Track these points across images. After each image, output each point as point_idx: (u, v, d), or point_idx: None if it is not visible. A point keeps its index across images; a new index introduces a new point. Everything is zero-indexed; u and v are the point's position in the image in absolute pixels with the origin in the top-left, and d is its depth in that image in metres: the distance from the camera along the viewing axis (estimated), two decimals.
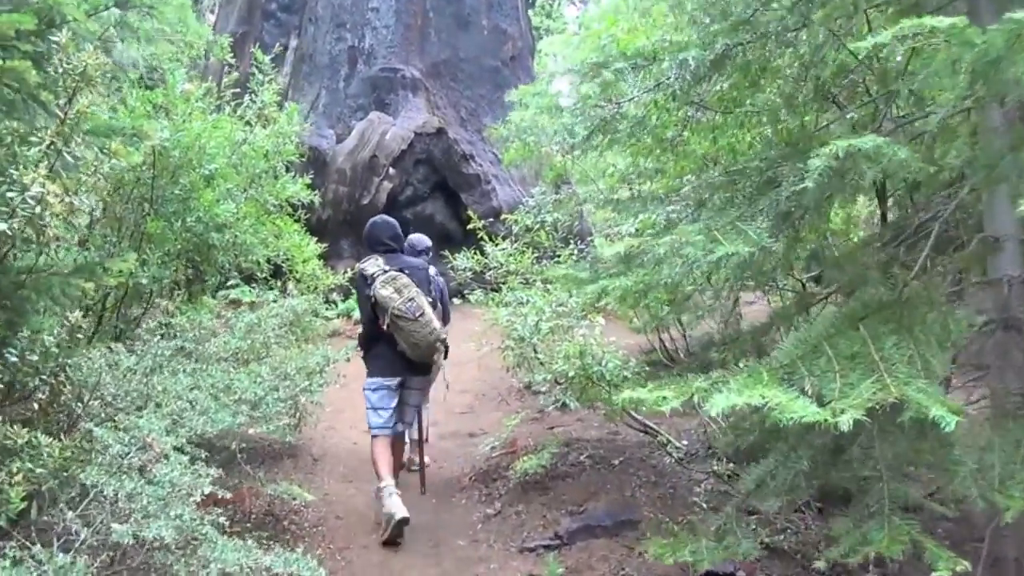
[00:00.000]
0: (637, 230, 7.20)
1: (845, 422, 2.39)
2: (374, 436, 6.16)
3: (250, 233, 8.06)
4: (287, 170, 9.33)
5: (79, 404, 4.99)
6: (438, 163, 17.32)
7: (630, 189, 10.53)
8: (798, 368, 2.86)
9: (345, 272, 10.02)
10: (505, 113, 14.31)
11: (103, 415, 5.06)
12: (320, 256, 15.84)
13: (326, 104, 18.01)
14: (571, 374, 6.69)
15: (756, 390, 2.52)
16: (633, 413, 7.12)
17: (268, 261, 8.60)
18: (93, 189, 5.36)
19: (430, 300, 6.22)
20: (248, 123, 8.85)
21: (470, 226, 8.17)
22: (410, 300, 5.88)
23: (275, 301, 7.69)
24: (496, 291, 7.84)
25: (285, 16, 19.53)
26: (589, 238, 12.30)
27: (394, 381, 6.16)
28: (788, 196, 3.55)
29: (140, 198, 7.72)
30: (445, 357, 6.81)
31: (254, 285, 9.36)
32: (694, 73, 4.38)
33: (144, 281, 7.23)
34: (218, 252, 8.06)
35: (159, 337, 6.01)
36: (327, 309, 14.55)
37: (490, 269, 7.50)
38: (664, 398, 2.82)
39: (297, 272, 8.99)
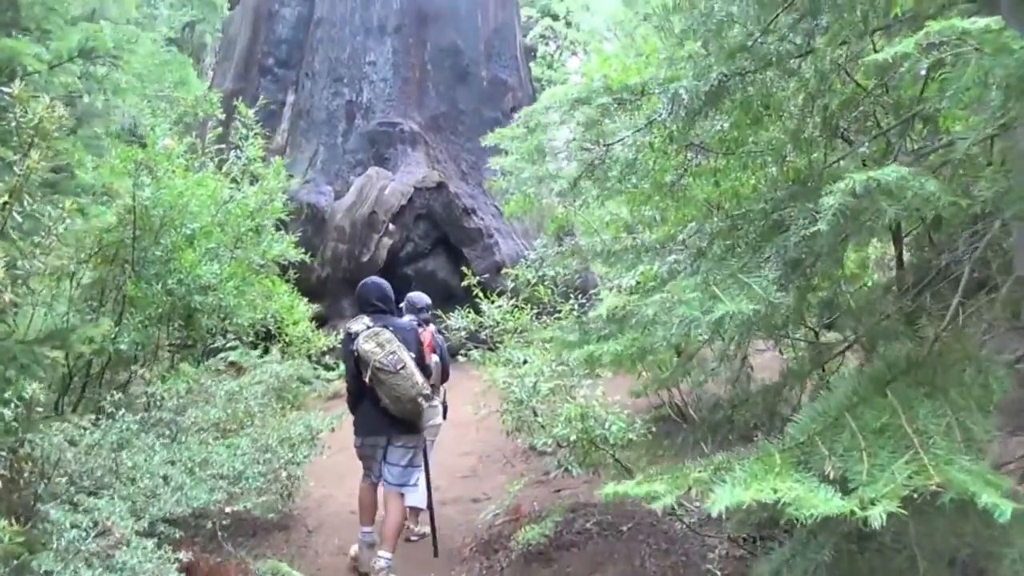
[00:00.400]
0: (637, 283, 6.82)
1: (877, 516, 1.97)
2: (364, 480, 6.34)
3: (235, 295, 7.71)
4: (278, 228, 9.00)
5: (44, 482, 4.65)
6: (439, 218, 17.03)
7: (632, 239, 10.16)
8: (816, 447, 2.43)
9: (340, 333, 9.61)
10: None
11: (66, 495, 4.71)
12: (319, 317, 15.79)
13: (324, 160, 17.78)
14: (573, 438, 6.28)
15: (767, 481, 2.10)
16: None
17: (254, 324, 8.23)
18: (52, 250, 5.02)
19: (414, 357, 6.10)
20: (234, 180, 8.54)
21: (466, 282, 7.79)
22: (391, 353, 5.86)
23: (258, 367, 7.30)
24: (492, 350, 7.44)
25: (282, 71, 19.41)
26: (593, 291, 11.93)
27: (379, 439, 6.20)
28: (798, 241, 3.17)
29: (122, 260, 7.44)
30: (444, 417, 6.87)
31: (251, 347, 8.99)
32: (688, 108, 3.98)
33: (123, 347, 6.91)
34: (202, 315, 7.72)
35: (123, 410, 5.59)
36: (324, 371, 14.29)
37: (486, 328, 7.10)
38: (655, 494, 2.40)
39: (287, 335, 8.60)
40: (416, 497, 6.77)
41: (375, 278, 6.70)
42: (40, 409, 4.60)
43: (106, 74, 7.01)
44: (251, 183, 8.68)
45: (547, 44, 33.16)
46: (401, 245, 16.65)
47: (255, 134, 8.74)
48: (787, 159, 5.30)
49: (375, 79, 18.31)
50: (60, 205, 4.60)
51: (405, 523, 6.66)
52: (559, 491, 7.99)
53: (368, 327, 6.02)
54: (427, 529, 6.93)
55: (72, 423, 5.39)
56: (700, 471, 2.44)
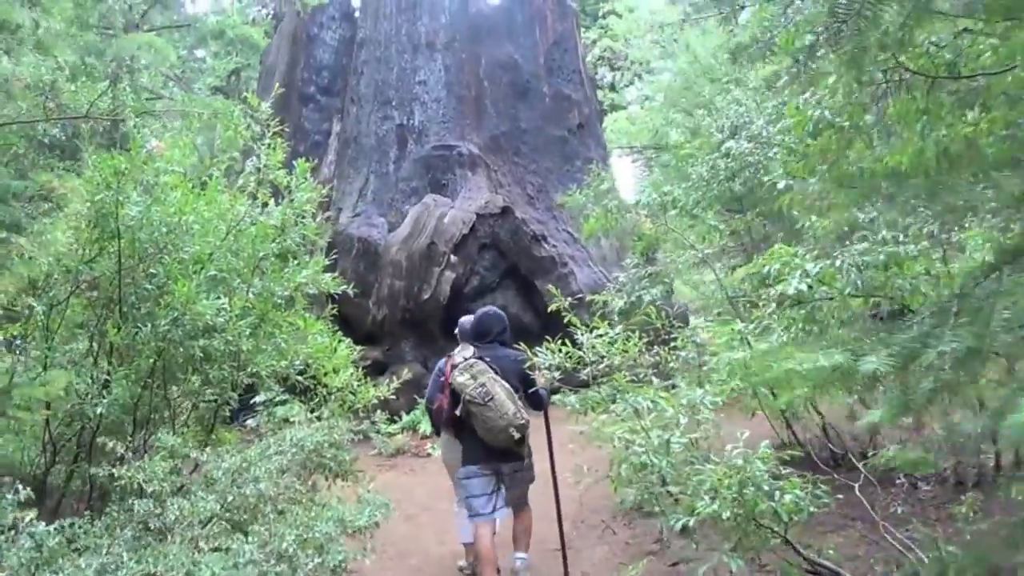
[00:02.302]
0: (809, 286, 4.98)
1: None
2: (471, 519, 6.05)
3: (251, 337, 5.86)
4: (311, 253, 7.15)
5: None
6: (506, 247, 15.30)
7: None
8: None
9: (400, 382, 7.69)
10: (577, 187, 12.39)
11: None
12: (376, 363, 13.98)
13: (375, 190, 16.13)
14: (726, 515, 4.29)
15: None
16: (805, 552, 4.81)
17: (280, 373, 6.38)
18: None
19: (515, 387, 5.97)
20: (253, 196, 6.73)
21: (553, 307, 6.01)
22: (481, 386, 5.78)
23: (275, 431, 5.42)
24: (584, 387, 5.58)
25: (325, 99, 17.95)
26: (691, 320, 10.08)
27: (487, 468, 6.00)
28: None
29: (105, 297, 5.72)
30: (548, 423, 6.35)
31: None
32: None
33: (101, 410, 5.16)
34: (210, 364, 5.89)
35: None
36: (385, 424, 12.49)
37: (587, 364, 5.19)
38: None
39: (325, 385, 6.70)
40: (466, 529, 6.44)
41: (487, 311, 6.58)
42: None
43: None
44: (272, 197, 6.84)
45: (607, 66, 31.48)
46: (465, 279, 14.93)
47: (273, 133, 6.88)
48: None
49: (427, 100, 16.79)
50: None
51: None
52: (675, 564, 6.37)
53: (465, 359, 5.97)
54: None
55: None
56: None
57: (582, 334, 5.58)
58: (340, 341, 7.04)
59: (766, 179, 8.27)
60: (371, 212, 15.55)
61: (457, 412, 5.92)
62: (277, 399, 6.89)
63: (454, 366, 6.01)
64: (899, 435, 6.94)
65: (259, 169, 6.71)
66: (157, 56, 19.51)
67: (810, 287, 5.19)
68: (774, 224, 9.37)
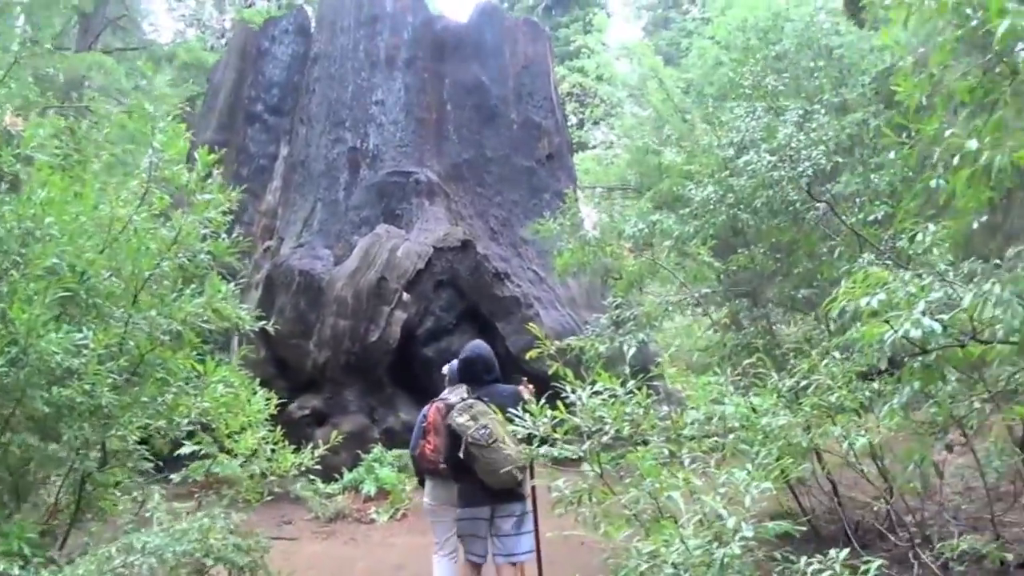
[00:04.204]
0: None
1: None
2: (467, 559, 5.82)
3: (123, 386, 4.26)
4: (225, 279, 5.59)
5: None
6: (465, 285, 13.87)
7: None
8: None
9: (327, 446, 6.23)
10: (549, 216, 11.11)
11: None
12: (316, 413, 12.42)
13: (322, 219, 14.62)
14: None
15: None
16: None
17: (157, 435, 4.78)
18: None
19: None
20: (142, 198, 5.15)
21: (533, 353, 4.70)
22: (483, 427, 5.50)
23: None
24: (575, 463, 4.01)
25: (274, 119, 16.48)
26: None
27: (482, 511, 5.74)
28: None
29: None
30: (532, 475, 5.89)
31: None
32: None
33: None
34: (67, 422, 4.29)
35: None
36: (323, 483, 10.97)
37: (584, 435, 3.66)
38: None
39: (230, 451, 5.08)
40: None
41: (480, 348, 6.42)
42: None
43: None
44: (179, 207, 5.27)
45: (577, 102, 30.50)
46: (419, 319, 13.40)
47: (173, 116, 5.30)
48: None
49: (383, 121, 15.41)
50: None
51: None
52: None
53: (463, 399, 5.78)
54: None
55: None
56: None
57: (573, 389, 4.06)
58: (254, 392, 5.44)
59: (793, 196, 6.98)
60: (316, 243, 14.04)
61: (460, 454, 5.56)
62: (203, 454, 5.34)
63: (450, 406, 5.81)
64: (912, 504, 6.02)
65: (153, 164, 5.08)
66: (108, 77, 18.45)
67: (945, 328, 3.56)
68: (785, 259, 7.97)
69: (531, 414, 3.99)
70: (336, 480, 11.56)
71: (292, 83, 16.79)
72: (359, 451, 11.80)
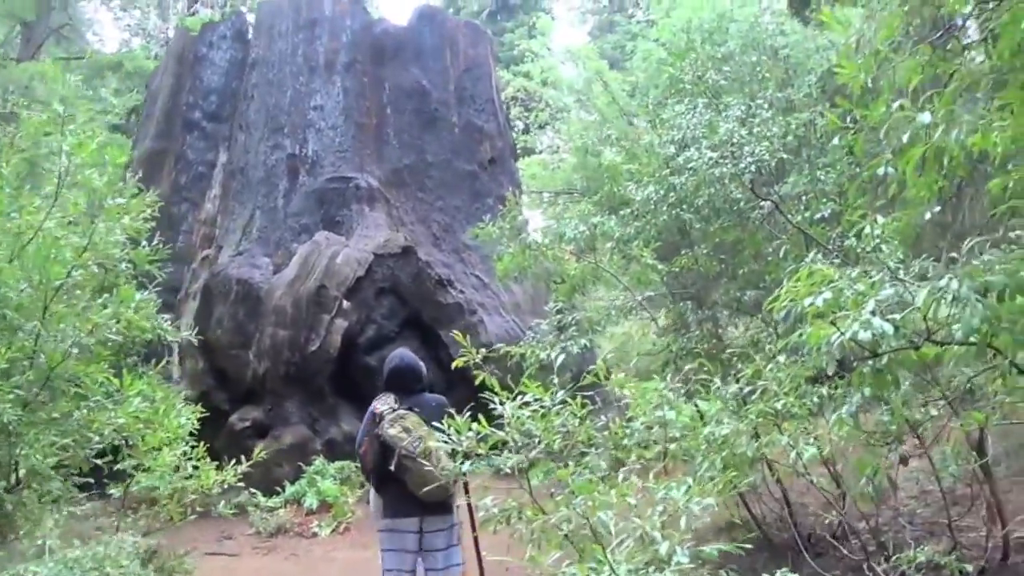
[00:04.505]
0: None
1: None
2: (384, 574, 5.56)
3: (15, 404, 4.01)
4: (143, 286, 5.37)
5: None
6: (407, 292, 13.72)
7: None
8: None
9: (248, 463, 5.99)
10: (490, 219, 10.97)
11: None
12: (257, 425, 12.16)
13: (261, 227, 14.41)
14: None
15: None
16: None
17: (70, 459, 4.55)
18: None
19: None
20: (54, 201, 4.91)
21: (459, 362, 4.45)
22: (418, 439, 5.26)
23: None
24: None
25: (212, 126, 16.22)
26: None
27: (411, 522, 5.48)
28: None
29: None
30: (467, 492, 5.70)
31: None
32: None
33: None
34: None
35: None
36: (264, 497, 10.79)
37: (512, 448, 3.48)
38: None
39: (148, 468, 4.85)
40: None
41: (408, 357, 6.04)
42: None
43: None
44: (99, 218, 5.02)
45: (521, 106, 30.34)
46: (360, 328, 13.20)
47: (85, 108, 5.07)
48: None
49: (322, 127, 15.28)
50: None
51: None
52: None
53: (393, 409, 5.51)
54: None
55: None
56: None
57: (501, 400, 3.86)
58: (172, 406, 5.20)
59: (737, 194, 6.90)
60: (255, 251, 13.81)
61: (391, 467, 5.33)
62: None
63: (379, 416, 5.53)
64: (864, 511, 5.80)
65: (65, 168, 4.84)
66: (50, 87, 18.05)
67: (897, 329, 3.37)
68: (730, 259, 7.86)
69: (455, 429, 3.79)
70: (278, 493, 11.41)
71: (230, 89, 16.58)
72: (301, 463, 11.64)
